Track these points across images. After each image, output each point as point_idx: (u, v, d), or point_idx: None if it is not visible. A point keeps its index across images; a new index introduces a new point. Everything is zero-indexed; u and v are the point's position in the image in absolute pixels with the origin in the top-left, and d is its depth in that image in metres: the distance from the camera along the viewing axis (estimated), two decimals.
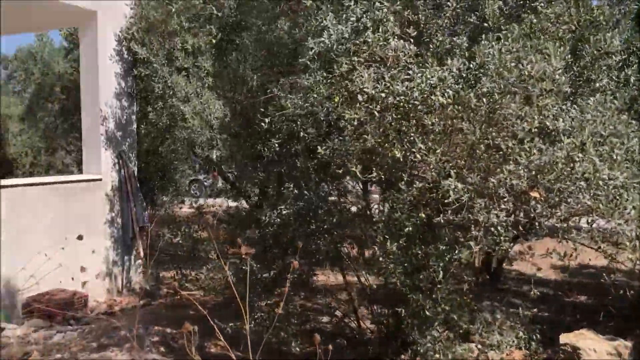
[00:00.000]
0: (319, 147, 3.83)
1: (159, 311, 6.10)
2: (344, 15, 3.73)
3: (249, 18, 5.99)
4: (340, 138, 4.08)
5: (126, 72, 7.33)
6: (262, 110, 4.67)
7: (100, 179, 7.11)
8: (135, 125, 7.59)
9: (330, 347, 2.79)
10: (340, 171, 4.36)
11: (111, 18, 7.12)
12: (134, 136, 7.58)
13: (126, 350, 5.02)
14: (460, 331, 4.02)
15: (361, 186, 5.43)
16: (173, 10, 5.29)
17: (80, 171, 11.46)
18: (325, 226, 4.73)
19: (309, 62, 3.94)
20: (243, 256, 3.14)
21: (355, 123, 3.52)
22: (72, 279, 6.37)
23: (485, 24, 3.97)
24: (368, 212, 5.00)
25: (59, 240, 6.47)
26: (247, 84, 5.25)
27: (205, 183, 15.86)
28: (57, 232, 6.51)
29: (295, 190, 4.46)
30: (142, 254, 7.41)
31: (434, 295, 3.89)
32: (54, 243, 6.41)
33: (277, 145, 4.39)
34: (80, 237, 5.30)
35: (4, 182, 6.56)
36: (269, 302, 4.83)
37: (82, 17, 7.01)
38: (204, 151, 7.13)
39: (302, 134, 4.56)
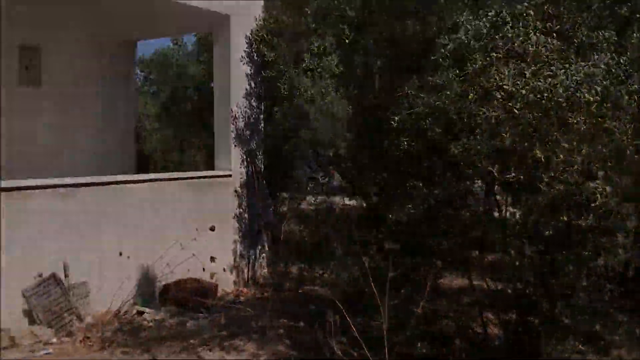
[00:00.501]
0: (451, 146, 3.74)
1: (283, 304, 6.28)
2: (481, 11, 3.62)
3: (374, 17, 6.01)
4: (472, 137, 3.96)
5: (255, 74, 7.65)
6: (390, 109, 4.65)
7: (230, 175, 7.47)
8: (262, 125, 7.90)
9: (456, 350, 2.73)
10: (470, 171, 4.25)
11: (243, 21, 7.46)
12: (261, 135, 7.90)
13: (254, 341, 5.22)
14: (602, 343, 3.76)
15: (485, 187, 5.26)
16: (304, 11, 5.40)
17: (207, 168, 12.14)
18: (453, 227, 4.64)
19: (441, 60, 3.87)
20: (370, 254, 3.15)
21: (493, 121, 3.41)
22: (203, 269, 6.74)
23: (638, 15, 3.68)
24: (496, 214, 4.83)
25: (192, 232, 6.90)
26: (374, 84, 5.26)
27: (322, 181, 16.14)
28: (191, 225, 6.93)
29: (424, 190, 4.40)
30: (267, 247, 7.70)
31: (571, 303, 3.68)
32: (188, 234, 6.84)
33: (406, 143, 4.35)
34: (212, 229, 5.59)
35: (145, 176, 7.10)
36: (395, 302, 4.82)
37: (216, 21, 7.41)
38: (326, 150, 7.25)
39: (429, 133, 4.49)
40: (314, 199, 11.30)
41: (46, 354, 4.73)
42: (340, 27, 6.38)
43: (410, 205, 4.41)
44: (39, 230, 5.40)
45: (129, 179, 6.46)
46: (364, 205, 8.91)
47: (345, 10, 6.33)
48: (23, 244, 5.26)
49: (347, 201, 11.24)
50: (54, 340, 5.08)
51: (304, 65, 6.93)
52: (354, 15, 6.29)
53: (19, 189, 5.27)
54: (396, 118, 4.27)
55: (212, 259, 7.05)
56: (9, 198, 5.17)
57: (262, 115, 7.87)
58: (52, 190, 5.54)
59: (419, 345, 4.51)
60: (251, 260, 7.72)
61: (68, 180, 5.76)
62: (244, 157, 7.66)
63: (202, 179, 7.25)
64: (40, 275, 5.39)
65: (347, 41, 5.91)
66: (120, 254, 6.13)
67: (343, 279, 5.25)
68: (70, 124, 8.22)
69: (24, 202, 5.30)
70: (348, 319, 3.51)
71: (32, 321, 5.28)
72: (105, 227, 6.01)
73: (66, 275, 5.60)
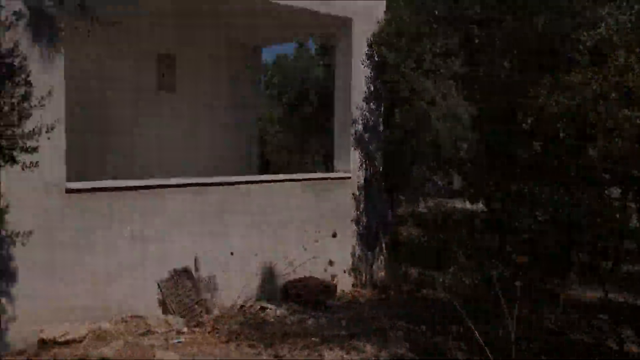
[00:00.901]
0: (589, 150, 3.50)
1: (402, 307, 6.23)
2: (624, 3, 3.35)
3: (501, 15, 5.78)
4: (612, 140, 3.68)
5: (375, 76, 7.64)
6: (518, 110, 4.44)
7: (349, 177, 7.53)
8: (381, 127, 7.88)
9: None
10: (607, 176, 3.95)
11: (365, 23, 7.49)
12: (381, 138, 7.88)
13: (374, 342, 5.22)
14: None
15: (621, 194, 4.86)
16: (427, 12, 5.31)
17: (325, 170, 12.34)
18: (585, 236, 4.34)
19: (578, 57, 3.63)
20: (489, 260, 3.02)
21: (638, 122, 3.14)
22: (325, 270, 6.85)
23: None
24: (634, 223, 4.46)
25: (311, 233, 7.05)
26: (501, 84, 5.05)
27: (439, 183, 15.83)
28: (310, 225, 7.09)
29: (555, 196, 4.15)
30: (385, 250, 7.67)
31: None
32: (308, 235, 7.00)
33: (539, 147, 4.13)
34: (334, 235, 5.65)
35: (268, 177, 7.36)
36: (522, 311, 4.61)
37: (339, 25, 7.50)
38: (447, 152, 7.07)
39: (562, 135, 4.23)
40: (432, 201, 11.11)
41: (178, 342, 5.05)
42: (464, 26, 6.21)
43: (538, 213, 4.18)
44: (173, 227, 5.78)
45: (253, 179, 6.73)
46: (486, 209, 8.59)
47: (470, 9, 6.16)
48: (158, 239, 5.67)
49: (468, 205, 10.94)
50: (185, 329, 5.41)
51: (425, 66, 6.82)
52: (479, 13, 6.09)
53: (155, 187, 5.68)
54: (528, 120, 4.05)
55: (331, 262, 7.16)
56: (146, 196, 5.59)
57: (381, 118, 7.85)
58: (185, 189, 5.91)
59: (546, 358, 4.27)
60: (369, 262, 7.74)
61: (199, 179, 6.12)
62: (363, 159, 7.68)
63: (321, 181, 7.37)
64: (173, 269, 5.77)
65: (471, 40, 5.72)
66: (255, 255, 6.43)
67: (464, 284, 5.09)
68: (200, 127, 8.74)
69: (162, 199, 5.70)
70: (470, 325, 3.39)
71: (165, 311, 5.67)
72: (232, 225, 6.31)
73: (197, 269, 5.96)
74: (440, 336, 5.29)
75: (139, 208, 5.52)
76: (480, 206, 10.97)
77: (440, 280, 6.04)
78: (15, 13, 3.29)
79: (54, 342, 4.75)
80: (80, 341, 4.84)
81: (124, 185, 5.46)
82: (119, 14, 3.22)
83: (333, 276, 7.15)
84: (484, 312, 4.85)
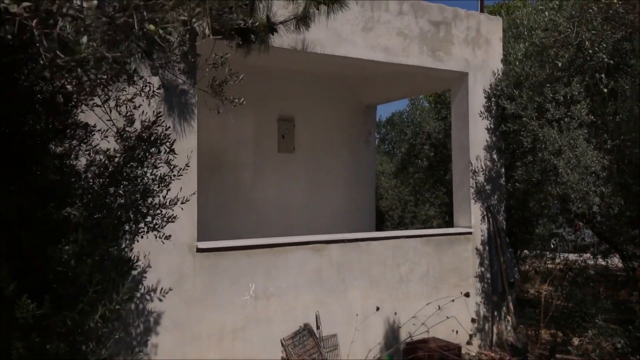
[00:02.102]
0: None
1: None
2: None
3: (627, 61, 5.45)
4: None
5: (495, 127, 7.46)
6: None
7: (470, 232, 7.29)
8: (503, 179, 7.61)
9: None
10: None
11: (480, 76, 7.39)
12: (503, 190, 7.60)
13: None
14: None
15: None
16: (558, 59, 5.12)
17: (441, 223, 12.05)
18: None
19: None
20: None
21: None
22: (456, 332, 6.56)
23: None
24: None
25: (431, 289, 6.85)
26: (631, 131, 4.72)
27: (568, 237, 14.90)
28: (430, 281, 6.90)
29: None
30: (512, 309, 7.25)
31: None
32: (427, 291, 6.81)
33: None
34: (467, 295, 5.43)
35: (388, 233, 7.32)
36: None
37: (454, 80, 7.47)
38: (577, 205, 6.65)
39: None
40: (558, 256, 10.41)
41: None
42: (590, 72, 5.92)
43: None
44: (294, 284, 5.89)
45: (371, 237, 6.72)
46: (623, 265, 7.92)
47: (595, 57, 5.87)
48: (280, 296, 5.78)
49: (600, 261, 10.13)
50: None
51: (548, 115, 6.55)
52: (606, 59, 5.79)
53: (277, 245, 5.84)
54: None
55: (473, 320, 6.88)
56: (268, 254, 5.76)
57: (502, 170, 7.59)
58: (306, 247, 6.02)
59: None
60: (496, 322, 7.34)
61: (319, 237, 6.22)
62: (484, 212, 7.42)
63: (442, 236, 7.19)
64: (298, 326, 5.83)
65: (600, 87, 5.42)
66: (378, 308, 6.35)
67: (605, 349, 4.65)
68: (318, 185, 8.95)
69: (284, 257, 5.85)
70: None
71: None
72: (351, 282, 6.30)
73: (318, 327, 5.97)
74: None
75: (262, 266, 5.70)
76: (615, 261, 10.13)
77: (576, 343, 5.57)
78: (159, 86, 3.60)
79: None
80: None
81: (248, 244, 5.68)
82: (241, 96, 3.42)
83: (471, 337, 6.84)
84: None
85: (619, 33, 4.21)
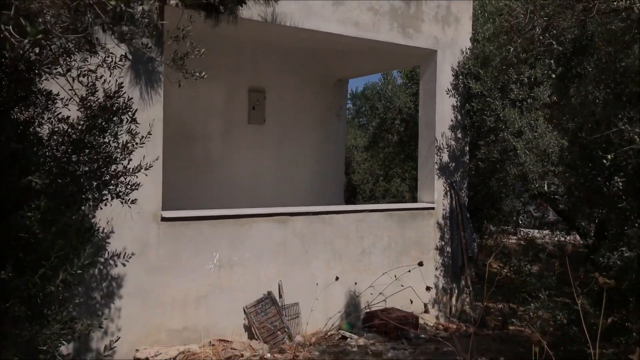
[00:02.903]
0: None
1: (485, 342, 6.09)
2: None
3: (593, 45, 5.60)
4: None
5: (461, 106, 7.62)
6: (604, 143, 4.30)
7: (432, 208, 7.50)
8: (467, 157, 7.80)
9: None
10: None
11: (449, 55, 7.51)
12: (465, 167, 7.79)
13: None
14: None
15: None
16: (511, 44, 5.28)
17: (412, 198, 12.29)
18: None
19: None
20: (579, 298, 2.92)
21: None
22: (411, 301, 6.81)
23: None
24: None
25: (393, 262, 7.07)
26: (589, 115, 4.89)
27: (535, 214, 15.33)
28: (392, 254, 7.11)
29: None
30: (470, 283, 7.52)
31: None
32: (389, 264, 7.02)
33: (620, 183, 3.97)
34: (420, 264, 5.65)
35: (352, 207, 7.49)
36: (607, 351, 4.39)
37: (423, 57, 7.57)
38: (534, 184, 6.88)
39: None
40: (523, 232, 10.74)
41: None
42: (553, 55, 6.07)
43: (624, 249, 3.98)
44: (258, 255, 6.03)
45: (336, 210, 6.88)
46: (580, 241, 8.24)
47: (559, 38, 6.01)
48: (244, 266, 5.92)
49: (562, 238, 10.47)
50: (268, 355, 5.58)
51: (512, 95, 6.72)
52: (570, 41, 5.94)
53: (242, 216, 5.95)
54: (608, 156, 3.91)
55: (428, 288, 7.11)
56: (233, 224, 5.87)
57: (466, 147, 7.78)
58: (271, 218, 6.15)
59: None
60: (454, 295, 7.61)
61: (283, 209, 6.35)
62: (447, 189, 7.62)
63: (404, 211, 7.38)
64: (261, 295, 5.99)
65: (561, 70, 5.58)
66: (337, 278, 6.54)
67: (548, 322, 4.91)
68: (288, 158, 9.04)
69: (248, 228, 5.97)
70: None
71: (250, 336, 5.89)
72: (314, 253, 6.47)
73: (280, 296, 6.14)
74: None
75: (227, 236, 5.81)
76: (577, 238, 10.50)
77: (525, 315, 5.84)
78: (120, 57, 3.63)
79: None
80: None
81: (213, 214, 5.78)
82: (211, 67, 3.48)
83: (426, 306, 7.08)
84: (573, 352, 4.65)
85: (570, 20, 4.35)
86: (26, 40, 1.86)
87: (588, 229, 7.24)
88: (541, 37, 4.52)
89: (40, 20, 1.87)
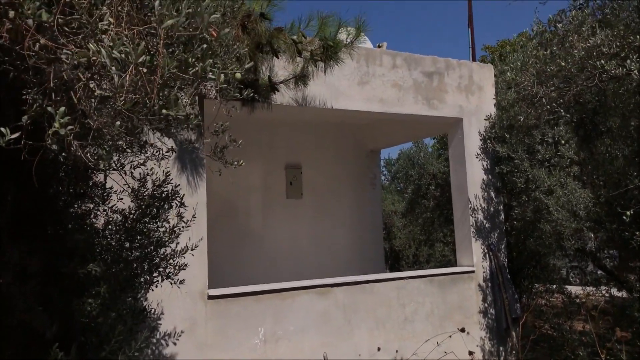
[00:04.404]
0: None
1: None
2: None
3: (611, 102, 5.80)
4: None
5: (491, 168, 7.80)
6: (623, 200, 4.42)
7: (472, 271, 7.56)
8: (502, 217, 7.90)
9: None
10: None
11: (475, 121, 7.79)
12: (502, 228, 7.88)
13: None
14: None
15: None
16: (522, 114, 5.53)
17: (456, 262, 12.27)
18: None
19: None
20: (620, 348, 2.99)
21: None
22: None
23: None
24: None
25: (436, 328, 7.09)
26: (611, 172, 5.04)
27: (586, 270, 14.99)
28: (435, 320, 7.15)
29: None
30: (517, 344, 7.43)
31: None
32: (432, 330, 7.04)
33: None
34: (462, 330, 5.71)
35: (391, 274, 7.62)
36: None
37: (450, 125, 7.87)
38: (572, 242, 6.91)
39: None
40: (569, 290, 10.51)
41: None
42: (576, 113, 6.28)
43: None
44: (302, 326, 6.19)
45: (376, 279, 7.01)
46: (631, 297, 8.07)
47: (581, 97, 6.24)
48: (289, 338, 6.08)
49: (614, 292, 10.22)
50: None
51: (538, 156, 6.89)
52: (592, 101, 6.15)
53: (284, 290, 6.17)
54: (628, 212, 4.02)
55: (470, 352, 7.06)
56: (276, 299, 6.09)
57: (500, 207, 7.89)
58: (312, 290, 6.34)
59: None
60: (500, 357, 7.52)
61: (324, 281, 6.54)
62: (485, 250, 7.69)
63: (445, 276, 7.46)
64: None
65: (584, 127, 5.76)
66: (379, 349, 6.61)
67: None
68: (327, 229, 9.31)
69: (291, 301, 6.17)
70: None
71: None
72: (357, 323, 6.58)
73: None
74: None
75: (271, 310, 6.02)
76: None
77: None
78: (167, 150, 4.02)
79: None
80: None
81: (256, 290, 6.02)
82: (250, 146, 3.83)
83: None
84: None
85: (574, 89, 4.57)
86: (102, 166, 2.22)
87: (633, 283, 7.15)
88: (548, 107, 4.76)
89: (109, 142, 2.24)
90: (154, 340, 5.13)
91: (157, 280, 4.23)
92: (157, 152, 4.09)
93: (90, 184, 4.01)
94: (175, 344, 5.07)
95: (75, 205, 3.93)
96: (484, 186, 7.80)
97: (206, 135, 3.99)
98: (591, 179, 5.65)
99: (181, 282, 4.27)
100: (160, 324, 5.20)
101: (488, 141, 7.76)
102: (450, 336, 5.98)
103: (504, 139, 7.31)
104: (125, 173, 4.04)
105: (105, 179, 3.83)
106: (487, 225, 7.76)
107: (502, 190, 7.78)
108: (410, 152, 13.26)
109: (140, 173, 4.03)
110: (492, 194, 7.83)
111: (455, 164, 7.95)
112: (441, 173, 11.13)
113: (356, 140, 9.70)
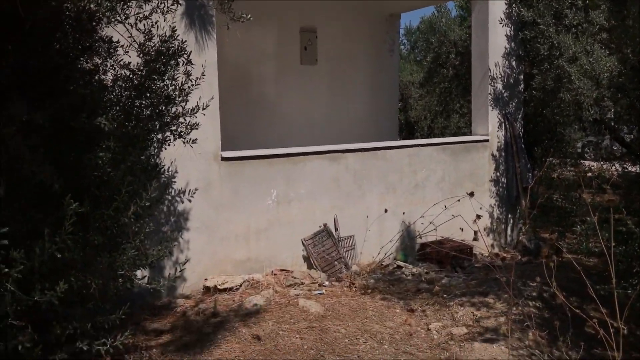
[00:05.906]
0: None
1: (538, 269, 6.19)
2: None
3: None
4: None
5: (514, 35, 7.46)
6: None
7: (487, 140, 7.51)
8: (522, 87, 7.69)
9: None
10: None
11: None
12: (520, 97, 7.70)
13: (504, 300, 5.33)
14: None
15: None
16: None
17: (470, 134, 12.19)
18: None
19: None
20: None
21: None
22: (461, 229, 6.97)
23: None
24: None
25: (447, 194, 7.19)
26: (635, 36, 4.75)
27: (601, 144, 14.86)
28: (446, 187, 7.23)
29: None
30: (525, 213, 7.57)
31: None
32: (442, 196, 7.14)
33: None
34: (471, 194, 5.77)
35: (404, 142, 7.60)
36: None
37: None
38: (590, 112, 6.74)
39: None
40: (586, 164, 10.48)
41: (319, 293, 5.58)
42: None
43: None
44: (313, 190, 6.30)
45: (388, 145, 7.01)
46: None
47: None
48: (300, 201, 6.22)
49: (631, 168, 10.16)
50: (326, 283, 5.93)
51: (566, 21, 6.53)
52: None
53: (296, 154, 6.20)
54: None
55: (478, 216, 7.22)
56: (289, 163, 6.14)
57: (521, 77, 7.65)
58: (323, 156, 6.37)
59: None
60: (509, 225, 7.70)
61: (336, 147, 6.54)
62: (502, 120, 7.58)
63: (458, 144, 7.43)
64: (319, 227, 6.31)
65: None
66: (386, 210, 6.76)
67: (596, 245, 4.96)
68: (341, 96, 9.17)
69: (302, 165, 6.23)
70: (590, 286, 3.38)
71: (309, 266, 6.25)
72: (368, 188, 6.68)
73: (336, 229, 6.44)
74: (577, 299, 5.25)
75: (283, 173, 6.10)
76: None
77: (575, 243, 5.88)
78: (173, 2, 3.83)
79: (215, 289, 5.52)
80: (237, 289, 5.55)
81: (268, 153, 6.06)
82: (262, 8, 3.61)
83: (476, 233, 7.23)
84: (617, 271, 4.71)
85: None
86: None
87: None
88: None
89: None
90: (169, 197, 5.26)
91: (170, 139, 4.23)
92: (162, 3, 3.91)
93: (96, 37, 3.89)
94: (190, 200, 5.21)
95: (82, 59, 3.84)
96: (506, 54, 7.51)
97: None
98: (619, 47, 5.34)
99: (193, 141, 4.27)
100: (175, 182, 5.30)
101: (514, 5, 7.33)
102: (459, 200, 6.07)
103: (531, 2, 6.89)
104: (131, 26, 3.90)
105: (108, 26, 3.68)
106: (505, 95, 7.58)
107: (524, 58, 7.49)
108: (432, 19, 12.68)
109: (145, 25, 3.87)
110: (514, 63, 7.56)
111: (477, 29, 7.60)
112: (462, 41, 10.67)
113: (375, 1, 9.22)
